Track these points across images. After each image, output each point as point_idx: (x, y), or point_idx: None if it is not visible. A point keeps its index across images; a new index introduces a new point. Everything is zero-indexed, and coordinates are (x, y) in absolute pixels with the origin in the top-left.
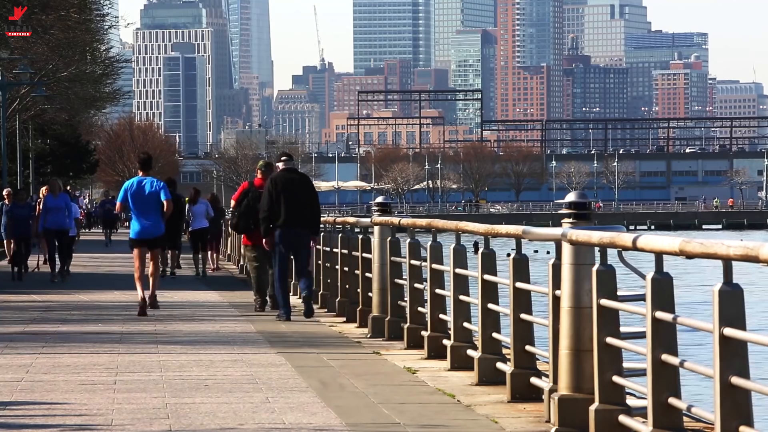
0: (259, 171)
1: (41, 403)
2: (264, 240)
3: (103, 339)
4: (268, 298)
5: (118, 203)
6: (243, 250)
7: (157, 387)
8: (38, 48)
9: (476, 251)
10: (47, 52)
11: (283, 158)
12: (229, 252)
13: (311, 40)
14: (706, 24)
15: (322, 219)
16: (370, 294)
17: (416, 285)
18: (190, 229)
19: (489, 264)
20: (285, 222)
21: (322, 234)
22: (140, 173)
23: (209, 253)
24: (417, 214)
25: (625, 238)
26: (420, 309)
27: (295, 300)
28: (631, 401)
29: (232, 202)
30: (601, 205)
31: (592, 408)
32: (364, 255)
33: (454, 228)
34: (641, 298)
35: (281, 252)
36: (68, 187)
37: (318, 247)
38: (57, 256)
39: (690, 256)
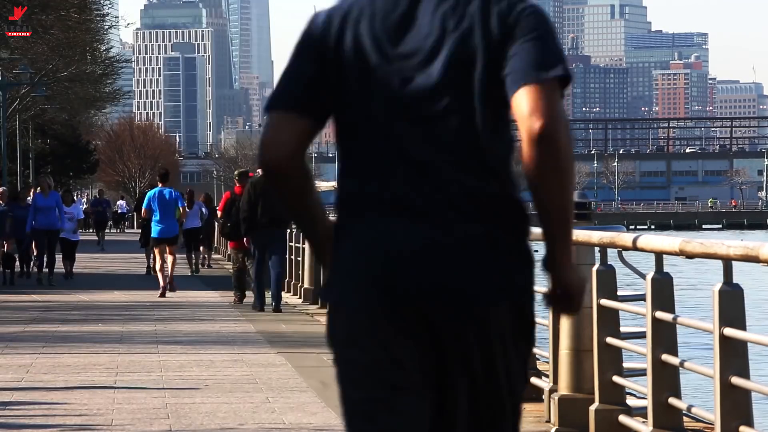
0: (236, 180)
1: (41, 403)
2: (244, 239)
3: (103, 339)
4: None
5: (144, 209)
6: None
7: (157, 387)
8: (38, 48)
9: None
10: (47, 52)
11: None
12: (229, 252)
13: None
14: (706, 24)
15: None
16: None
17: None
18: (182, 229)
19: None
20: (263, 223)
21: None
22: (159, 184)
23: (202, 250)
24: None
25: (625, 238)
26: None
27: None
28: (631, 401)
29: (218, 212)
30: (602, 209)
31: (592, 408)
32: None
33: None
34: (641, 298)
35: (259, 251)
36: (59, 188)
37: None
38: (46, 257)
39: (690, 256)
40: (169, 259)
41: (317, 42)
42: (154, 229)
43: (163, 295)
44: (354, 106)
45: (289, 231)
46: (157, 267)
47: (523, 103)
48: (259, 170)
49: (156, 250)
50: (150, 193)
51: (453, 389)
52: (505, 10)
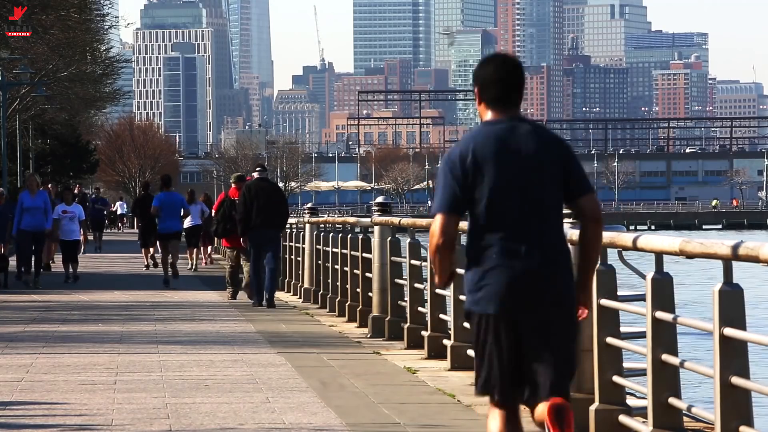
0: (233, 183)
1: (41, 403)
2: (241, 239)
3: (103, 339)
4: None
5: (153, 207)
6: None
7: (157, 387)
8: (38, 48)
9: None
10: (47, 52)
11: (258, 169)
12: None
13: (311, 40)
14: (706, 24)
15: (321, 219)
16: (370, 294)
17: (416, 285)
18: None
19: None
20: (257, 224)
21: (322, 234)
22: (164, 189)
23: (202, 248)
24: (417, 214)
25: (625, 238)
26: (420, 309)
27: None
28: (631, 401)
29: (213, 212)
30: (602, 209)
31: (592, 408)
32: (364, 255)
33: None
34: (641, 298)
35: (255, 250)
36: (76, 188)
37: (285, 243)
38: (33, 260)
39: (690, 256)
40: (171, 255)
41: (459, 168)
42: (161, 227)
43: (166, 282)
44: (482, 199)
45: (288, 232)
46: (162, 260)
47: (589, 203)
48: (254, 174)
49: (162, 245)
50: (159, 195)
51: (531, 348)
52: (558, 144)
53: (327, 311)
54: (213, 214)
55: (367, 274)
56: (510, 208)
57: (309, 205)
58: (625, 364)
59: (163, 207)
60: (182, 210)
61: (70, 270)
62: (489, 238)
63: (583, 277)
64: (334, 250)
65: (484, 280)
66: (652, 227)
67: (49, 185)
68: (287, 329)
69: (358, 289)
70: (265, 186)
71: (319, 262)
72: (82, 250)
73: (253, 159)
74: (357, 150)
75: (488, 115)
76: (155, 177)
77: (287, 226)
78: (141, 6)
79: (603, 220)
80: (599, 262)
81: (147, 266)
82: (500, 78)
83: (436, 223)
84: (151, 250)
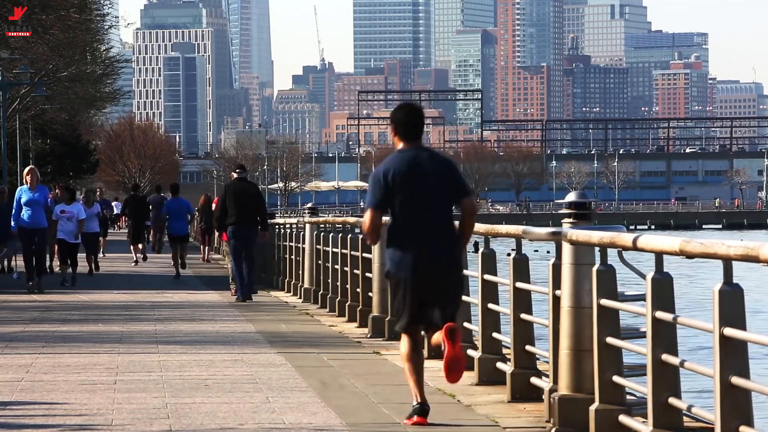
0: None
1: (41, 403)
2: (218, 234)
3: (103, 339)
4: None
5: (161, 213)
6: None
7: (158, 387)
8: (38, 48)
9: (476, 251)
10: (47, 52)
11: (237, 170)
12: (224, 248)
13: (311, 40)
14: (706, 24)
15: (321, 219)
16: (370, 294)
17: None
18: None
19: (489, 264)
20: (235, 221)
21: (322, 234)
22: (170, 195)
23: (201, 246)
24: None
25: (625, 238)
26: None
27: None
28: (631, 401)
29: (214, 206)
30: (602, 208)
31: (592, 408)
32: (364, 255)
33: None
34: (641, 298)
35: (234, 245)
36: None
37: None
38: (34, 259)
39: (690, 256)
40: (178, 252)
41: (383, 181)
42: (170, 229)
43: (177, 277)
44: (399, 201)
45: (288, 231)
46: (172, 256)
47: (467, 202)
48: (233, 174)
49: (171, 245)
50: (168, 202)
51: (432, 298)
52: (447, 163)
53: (327, 311)
54: (214, 208)
55: (367, 274)
56: (417, 208)
57: (309, 205)
58: (625, 364)
59: (171, 212)
60: (188, 215)
61: (68, 271)
62: (404, 228)
63: (461, 244)
64: (334, 250)
65: (402, 255)
66: (652, 227)
67: (56, 189)
68: (287, 329)
69: (358, 289)
70: (243, 186)
71: (319, 262)
72: (100, 251)
73: (253, 159)
74: (357, 150)
75: (401, 146)
76: (155, 177)
77: (289, 226)
78: (141, 6)
79: (475, 214)
80: (599, 261)
81: (136, 261)
82: (409, 121)
83: (367, 215)
84: (140, 246)
